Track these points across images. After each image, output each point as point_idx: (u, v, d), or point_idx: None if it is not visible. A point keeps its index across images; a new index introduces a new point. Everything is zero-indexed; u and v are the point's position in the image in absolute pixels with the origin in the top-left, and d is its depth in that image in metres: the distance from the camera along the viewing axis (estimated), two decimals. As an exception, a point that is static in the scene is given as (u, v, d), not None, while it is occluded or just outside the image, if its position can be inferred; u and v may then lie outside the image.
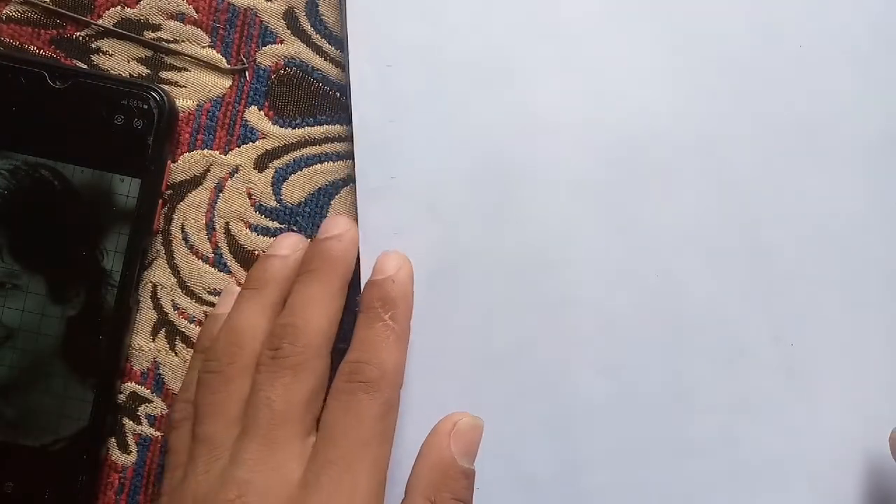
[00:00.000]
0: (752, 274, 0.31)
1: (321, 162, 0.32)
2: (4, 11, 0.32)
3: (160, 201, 0.31)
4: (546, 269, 0.31)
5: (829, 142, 0.31)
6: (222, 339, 0.29)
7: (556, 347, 0.31)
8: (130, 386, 0.32)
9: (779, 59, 0.31)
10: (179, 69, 0.32)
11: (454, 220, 0.31)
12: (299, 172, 0.32)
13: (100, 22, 0.32)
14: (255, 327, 0.29)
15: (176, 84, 0.32)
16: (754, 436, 0.30)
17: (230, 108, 0.32)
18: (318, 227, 0.31)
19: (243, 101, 0.32)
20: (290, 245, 0.30)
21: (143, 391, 0.32)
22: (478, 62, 0.31)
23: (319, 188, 0.32)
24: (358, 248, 0.30)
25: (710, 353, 0.31)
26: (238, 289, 0.31)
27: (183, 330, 0.32)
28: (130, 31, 0.32)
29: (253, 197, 0.32)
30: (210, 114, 0.32)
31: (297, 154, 0.32)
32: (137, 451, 0.32)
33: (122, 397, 0.32)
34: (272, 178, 0.32)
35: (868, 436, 0.30)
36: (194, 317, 0.32)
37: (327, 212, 0.32)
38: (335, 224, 0.30)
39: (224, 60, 0.32)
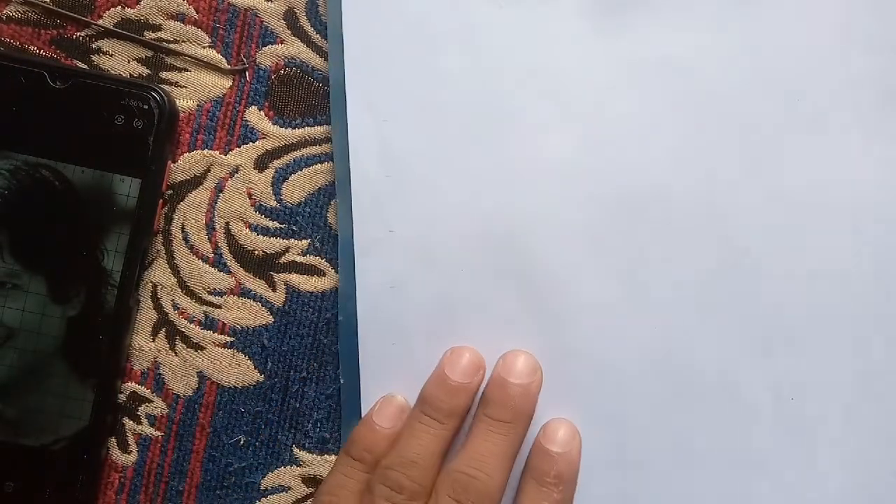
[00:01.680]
0: (752, 330, 0.30)
1: (321, 162, 0.32)
2: (5, 12, 0.32)
3: (160, 201, 0.31)
4: (545, 322, 0.31)
5: (832, 201, 0.30)
6: (402, 468, 0.28)
7: (555, 401, 0.30)
8: (130, 386, 0.32)
9: (782, 119, 0.30)
10: (180, 69, 0.32)
11: (451, 273, 0.31)
12: (299, 172, 0.32)
13: (100, 22, 0.32)
14: (436, 461, 0.29)
15: (176, 84, 0.32)
16: (755, 493, 0.30)
17: (230, 108, 0.32)
18: (318, 227, 0.32)
19: (243, 102, 0.32)
20: (469, 370, 0.30)
21: (144, 391, 0.32)
22: (475, 116, 0.31)
23: (319, 188, 0.32)
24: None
25: (711, 410, 0.30)
26: (400, 400, 0.31)
27: (183, 330, 0.32)
28: (131, 31, 0.32)
29: (253, 197, 0.32)
30: (210, 114, 0.32)
31: (297, 154, 0.32)
32: (137, 451, 0.32)
33: (122, 397, 0.32)
34: (272, 177, 0.32)
35: (868, 495, 0.30)
36: (194, 317, 0.32)
37: (327, 212, 0.32)
38: (525, 365, 0.30)
39: (224, 61, 0.32)
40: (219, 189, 0.32)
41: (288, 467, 0.32)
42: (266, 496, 0.32)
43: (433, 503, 0.28)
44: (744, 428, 0.30)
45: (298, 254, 0.32)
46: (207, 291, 0.32)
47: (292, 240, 0.32)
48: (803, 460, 0.30)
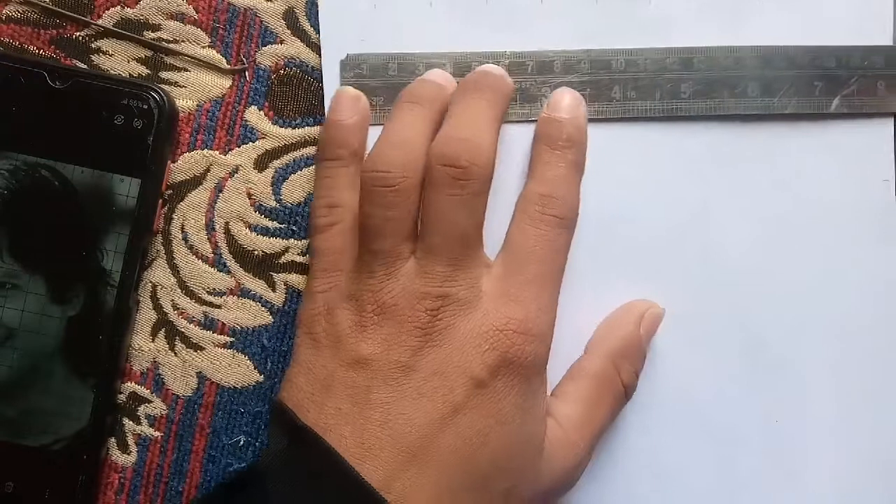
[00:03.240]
0: (742, 356, 0.31)
1: (321, 162, 0.32)
2: (4, 11, 0.32)
3: (160, 201, 0.31)
4: None
5: (822, 227, 0.31)
6: (391, 151, 0.27)
7: None
8: (130, 386, 0.32)
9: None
10: (179, 69, 0.32)
11: None
12: (299, 172, 0.32)
13: (100, 22, 0.32)
14: (425, 140, 0.27)
15: (176, 84, 0.32)
16: None
17: (230, 108, 0.32)
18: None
19: (243, 101, 0.32)
20: (443, 77, 0.29)
21: (143, 391, 0.32)
22: None
23: (319, 188, 0.32)
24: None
25: (697, 434, 0.30)
26: (354, 91, 0.30)
27: (182, 330, 0.32)
28: (130, 31, 0.32)
29: (253, 197, 0.32)
30: (210, 114, 0.32)
31: (296, 154, 0.32)
32: (137, 452, 0.32)
33: (121, 397, 0.32)
34: (272, 178, 0.32)
35: None
36: (194, 317, 0.32)
37: (327, 212, 0.32)
38: (493, 66, 0.29)
39: (224, 60, 0.32)
40: (218, 189, 0.32)
41: (288, 468, 0.32)
42: (266, 497, 0.32)
43: (428, 180, 0.27)
44: (731, 453, 0.30)
45: (298, 254, 0.32)
46: (207, 291, 0.32)
47: (292, 240, 0.32)
48: (790, 484, 0.30)
